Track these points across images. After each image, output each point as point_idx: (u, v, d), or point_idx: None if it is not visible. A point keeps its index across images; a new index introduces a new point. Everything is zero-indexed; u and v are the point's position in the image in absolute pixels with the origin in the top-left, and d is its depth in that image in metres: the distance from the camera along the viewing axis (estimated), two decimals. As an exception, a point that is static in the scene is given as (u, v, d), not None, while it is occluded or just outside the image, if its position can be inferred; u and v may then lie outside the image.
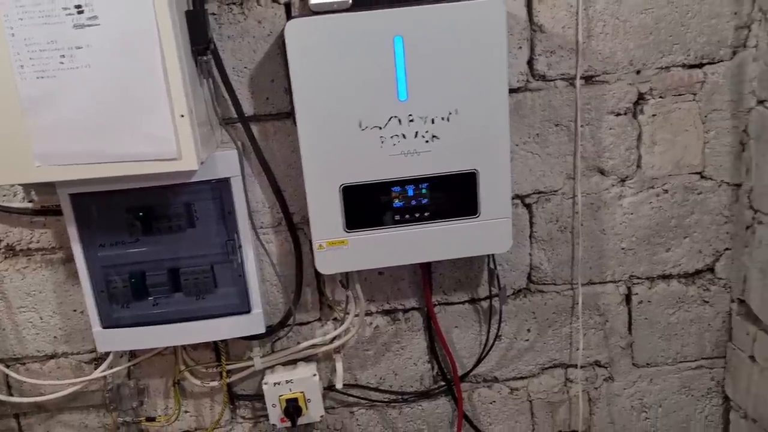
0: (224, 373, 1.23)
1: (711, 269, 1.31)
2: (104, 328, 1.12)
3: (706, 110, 1.20)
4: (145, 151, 0.92)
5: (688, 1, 1.13)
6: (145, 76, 0.88)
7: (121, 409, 1.25)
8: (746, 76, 1.18)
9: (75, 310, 1.21)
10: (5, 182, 0.97)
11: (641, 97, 1.18)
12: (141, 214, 1.08)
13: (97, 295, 1.10)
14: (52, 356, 1.24)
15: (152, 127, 0.90)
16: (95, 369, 1.24)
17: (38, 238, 1.16)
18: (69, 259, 1.18)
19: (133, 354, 1.23)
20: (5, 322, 1.21)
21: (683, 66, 1.17)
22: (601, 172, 1.22)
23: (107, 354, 1.22)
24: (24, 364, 1.24)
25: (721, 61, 1.17)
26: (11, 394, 1.24)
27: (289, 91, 1.12)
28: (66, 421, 1.29)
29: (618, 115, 1.19)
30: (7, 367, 1.23)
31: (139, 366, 1.25)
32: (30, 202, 1.13)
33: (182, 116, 0.90)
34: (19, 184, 1.11)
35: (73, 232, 1.06)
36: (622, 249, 1.28)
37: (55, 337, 1.23)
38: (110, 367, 1.20)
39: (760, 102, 1.17)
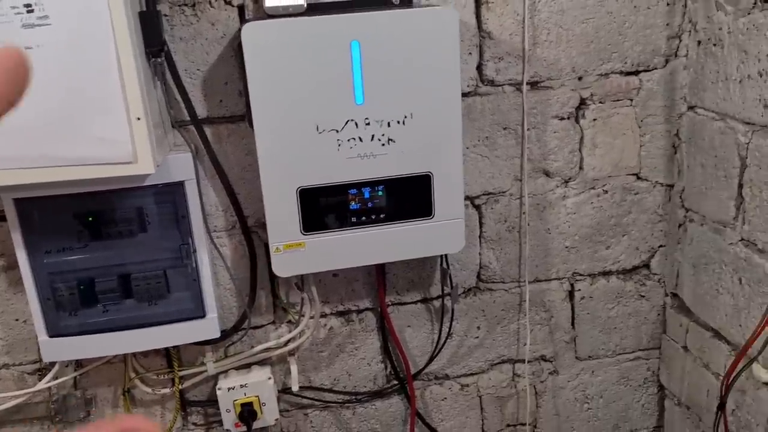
0: (177, 380, 1.21)
1: (647, 265, 1.39)
2: (51, 336, 1.09)
3: (642, 115, 1.27)
4: (99, 154, 0.89)
5: (625, 11, 1.20)
6: (99, 77, 0.86)
7: (67, 421, 1.21)
8: (678, 83, 1.25)
9: (17, 320, 1.16)
10: (-54, 187, 0.93)
11: (583, 102, 1.24)
12: (90, 219, 1.05)
13: (43, 303, 1.07)
14: (-8, 368, 1.19)
15: (106, 130, 0.88)
16: (39, 380, 1.19)
17: (-23, 245, 1.11)
18: (11, 267, 1.13)
19: (79, 363, 1.20)
20: (-60, 334, 1.15)
21: (621, 73, 1.24)
22: (546, 173, 1.28)
23: (52, 364, 1.17)
24: (-40, 377, 1.18)
25: (655, 68, 1.24)
26: (-54, 410, 1.18)
27: (242, 93, 1.12)
28: (7, 436, 1.24)
29: (562, 119, 1.24)
30: (-58, 381, 1.17)
31: (86, 375, 1.21)
32: (-32, 207, 1.08)
33: (138, 119, 0.89)
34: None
35: (17, 238, 1.02)
36: (566, 247, 1.34)
37: (-5, 348, 1.18)
38: (56, 377, 1.16)
39: (691, 108, 1.25)
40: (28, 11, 0.83)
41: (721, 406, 1.11)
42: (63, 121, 0.87)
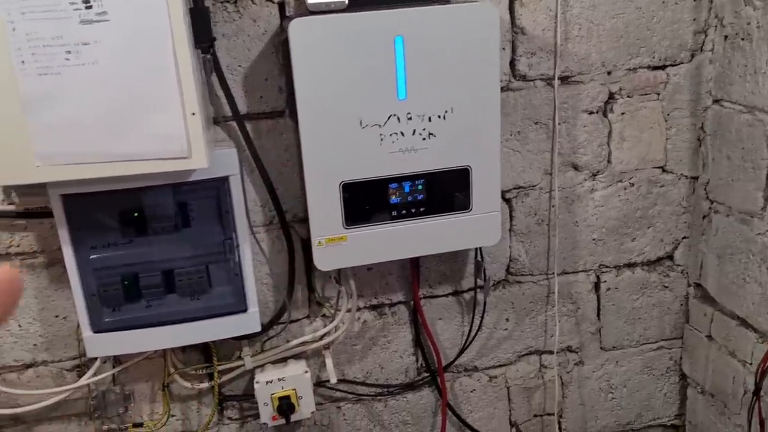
0: (216, 374, 1.21)
1: (670, 257, 1.41)
2: (95, 332, 1.09)
3: (668, 109, 1.29)
4: (154, 149, 0.90)
5: (654, 7, 1.22)
6: (156, 73, 0.87)
7: (106, 417, 1.22)
8: (703, 77, 1.28)
9: (57, 316, 1.17)
10: (4, 182, 0.93)
11: (611, 97, 1.27)
12: (135, 214, 1.06)
13: (87, 299, 1.07)
14: (31, 365, 1.19)
15: (162, 126, 0.89)
16: (78, 376, 1.20)
17: (18, 242, 1.11)
18: (52, 263, 1.13)
19: (117, 360, 1.20)
20: (-20, 331, 1.15)
21: (648, 67, 1.26)
22: (575, 167, 1.30)
23: (90, 361, 1.18)
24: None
25: (682, 63, 1.27)
26: (-15, 408, 1.18)
27: (282, 89, 1.13)
28: (45, 433, 1.24)
29: (591, 113, 1.27)
30: (-19, 379, 1.17)
31: (124, 371, 1.21)
32: (11, 204, 1.08)
33: (193, 114, 0.90)
34: (4, 185, 1.06)
35: (64, 234, 1.03)
36: (593, 240, 1.36)
37: (34, 345, 1.18)
38: (96, 373, 1.16)
39: (716, 101, 1.27)
40: (87, 7, 0.84)
41: (757, 392, 1.14)
42: (119, 116, 0.88)
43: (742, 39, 1.17)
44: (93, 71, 0.86)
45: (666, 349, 1.49)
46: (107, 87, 0.87)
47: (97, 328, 1.09)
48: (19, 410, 1.17)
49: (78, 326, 1.16)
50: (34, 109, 0.87)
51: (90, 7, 0.84)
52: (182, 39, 0.87)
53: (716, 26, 1.25)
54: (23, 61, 0.85)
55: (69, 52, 0.85)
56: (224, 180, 1.06)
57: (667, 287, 1.43)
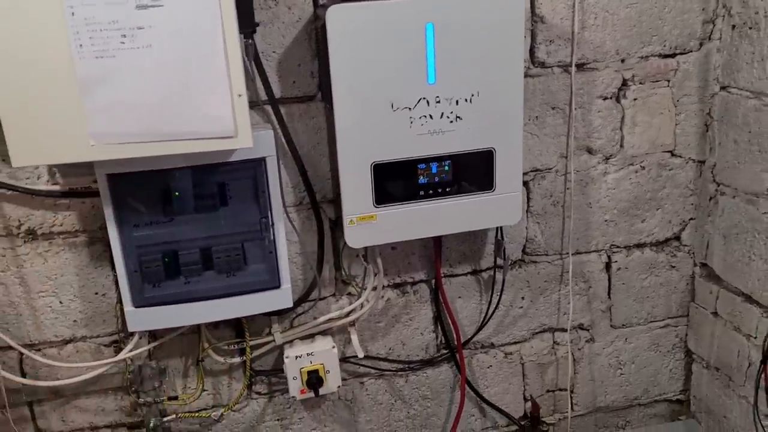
0: (248, 349, 1.26)
1: (678, 237, 1.48)
2: (136, 307, 1.14)
3: (678, 95, 1.35)
4: (203, 129, 0.95)
5: (665, -3, 1.28)
6: (207, 56, 0.92)
7: (142, 390, 1.26)
8: (711, 65, 1.34)
9: (97, 293, 1.21)
10: (60, 161, 0.97)
11: (624, 83, 1.33)
12: (176, 194, 1.10)
13: (129, 275, 1.12)
14: (70, 340, 1.23)
15: (211, 106, 0.94)
16: (115, 352, 1.24)
17: (61, 221, 1.16)
18: (92, 242, 1.18)
19: (153, 335, 1.25)
20: (22, 307, 1.19)
21: (660, 56, 1.32)
22: (589, 151, 1.36)
23: (127, 337, 1.23)
24: (39, 350, 1.22)
25: (691, 51, 1.33)
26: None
27: (314, 74, 1.18)
28: (82, 406, 1.28)
29: (605, 99, 1.32)
30: (21, 354, 1.21)
31: (160, 347, 1.26)
32: (55, 184, 1.13)
33: (240, 96, 0.94)
34: (50, 165, 1.10)
35: (109, 212, 1.07)
36: (605, 221, 1.42)
37: (74, 321, 1.22)
38: (133, 348, 1.21)
39: (723, 88, 1.34)
40: (142, -7, 0.88)
41: (765, 360, 1.20)
42: (170, 98, 0.93)
43: (750, 28, 1.23)
44: (146, 54, 0.91)
45: (672, 327, 1.56)
46: (160, 69, 0.92)
47: (139, 303, 1.14)
48: (58, 383, 1.22)
49: (117, 303, 1.21)
50: (89, 91, 0.91)
51: (145, -7, 0.88)
52: (231, 24, 0.91)
53: (724, 16, 1.31)
54: (81, 45, 0.89)
55: (124, 36, 0.90)
56: (261, 161, 1.11)
57: (674, 267, 1.50)
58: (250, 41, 1.04)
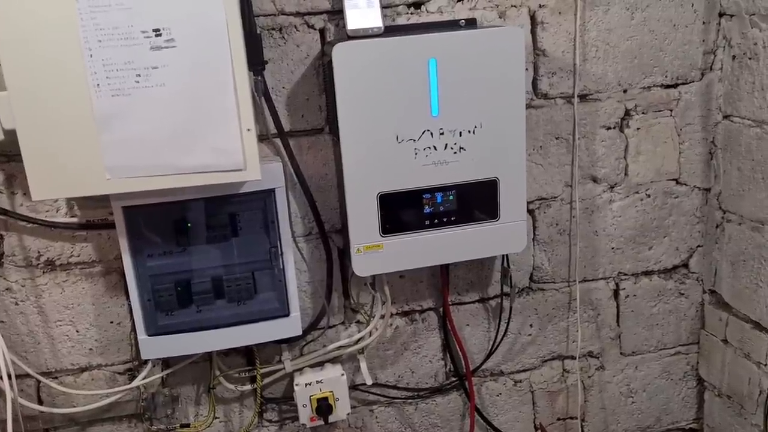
0: (259, 377, 1.29)
1: (686, 265, 1.48)
2: (149, 336, 1.17)
3: (681, 124, 1.38)
4: (213, 162, 0.99)
5: (665, 29, 1.31)
6: (218, 93, 0.96)
7: (155, 417, 1.29)
8: (713, 94, 1.36)
9: (112, 322, 1.25)
10: (77, 194, 1.01)
11: (627, 113, 1.35)
12: (188, 225, 1.14)
13: (143, 304, 1.15)
14: (86, 368, 1.26)
15: (221, 141, 0.98)
16: (129, 380, 1.27)
17: (78, 252, 1.20)
18: (108, 272, 1.22)
19: (166, 363, 1.28)
20: (40, 336, 1.23)
21: (662, 86, 1.35)
22: (594, 179, 1.38)
23: (140, 365, 1.25)
24: (56, 378, 1.26)
25: (693, 81, 1.36)
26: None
27: (322, 108, 1.22)
28: (97, 434, 1.31)
29: (609, 129, 1.35)
30: (39, 382, 1.24)
31: (173, 375, 1.29)
32: (73, 217, 1.17)
33: (248, 130, 0.98)
34: (68, 199, 1.15)
35: (124, 243, 1.11)
36: (612, 249, 1.43)
37: (90, 349, 1.25)
38: (147, 376, 1.24)
39: (726, 117, 1.36)
40: (156, 35, 0.93)
41: (773, 387, 1.20)
42: (184, 133, 0.97)
43: (750, 58, 1.26)
44: (160, 92, 0.95)
45: (683, 354, 1.55)
46: (173, 106, 0.96)
47: (152, 331, 1.17)
48: (74, 410, 1.25)
49: (131, 331, 1.24)
50: (106, 127, 0.96)
51: (159, 35, 0.93)
52: (240, 62, 0.95)
53: (724, 47, 1.33)
54: (98, 84, 0.94)
55: (139, 75, 0.94)
56: (271, 192, 1.14)
57: (683, 294, 1.50)
58: (260, 78, 1.08)
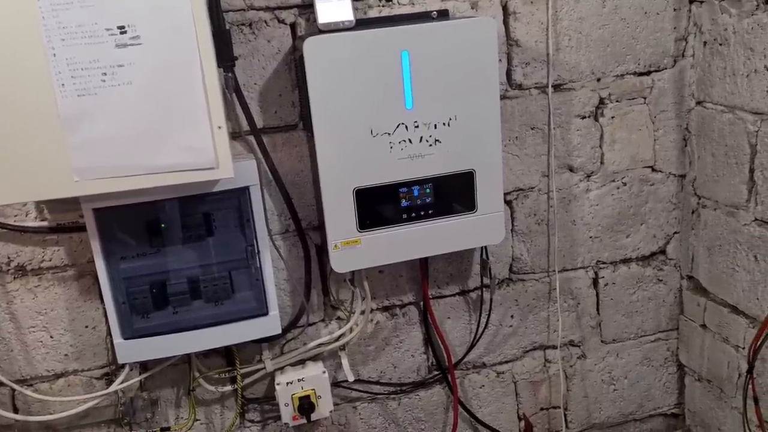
0: (239, 377, 1.27)
1: (663, 251, 1.49)
2: (125, 339, 1.15)
3: (654, 112, 1.38)
4: (184, 161, 0.97)
5: (637, 17, 1.31)
6: (186, 91, 0.94)
7: (134, 422, 1.27)
8: (686, 81, 1.37)
9: (87, 327, 1.22)
10: (45, 197, 0.99)
11: (602, 102, 1.35)
12: (162, 225, 1.12)
13: (118, 307, 1.13)
14: (62, 374, 1.24)
15: (191, 139, 0.96)
16: (106, 385, 1.25)
17: (50, 257, 1.17)
18: (81, 276, 1.19)
19: (144, 366, 1.26)
20: (13, 343, 1.20)
21: (635, 74, 1.35)
22: (571, 169, 1.38)
23: (118, 369, 1.23)
24: (31, 385, 1.23)
25: (665, 69, 1.36)
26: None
27: (295, 104, 1.20)
28: (75, 440, 1.29)
29: (583, 118, 1.35)
30: (13, 390, 1.22)
31: (151, 378, 1.27)
32: (43, 220, 1.15)
33: (219, 128, 0.97)
34: (37, 202, 1.12)
35: (96, 245, 1.09)
36: (590, 237, 1.44)
37: (65, 354, 1.23)
38: (124, 380, 1.22)
39: (698, 103, 1.36)
40: (122, 32, 0.91)
41: (750, 370, 1.21)
42: (152, 132, 0.95)
43: (720, 44, 1.26)
44: (127, 91, 0.93)
45: (663, 341, 1.56)
46: (141, 105, 0.94)
47: (128, 334, 1.15)
48: (51, 418, 1.22)
49: (107, 335, 1.22)
50: (72, 128, 0.94)
51: (125, 32, 0.91)
52: (209, 58, 0.94)
53: (695, 33, 1.34)
54: (63, 84, 0.92)
55: (105, 74, 0.92)
56: (245, 190, 1.13)
57: (661, 280, 1.51)
58: (231, 74, 1.06)
